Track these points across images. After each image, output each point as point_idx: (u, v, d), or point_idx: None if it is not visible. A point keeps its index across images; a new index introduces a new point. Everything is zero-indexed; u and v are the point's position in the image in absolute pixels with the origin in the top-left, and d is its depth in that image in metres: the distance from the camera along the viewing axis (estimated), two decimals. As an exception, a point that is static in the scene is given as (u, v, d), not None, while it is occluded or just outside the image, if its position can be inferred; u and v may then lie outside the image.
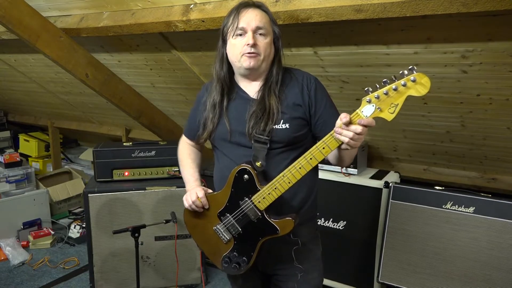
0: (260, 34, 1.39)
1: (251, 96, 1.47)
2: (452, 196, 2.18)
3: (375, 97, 1.20)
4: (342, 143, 1.25)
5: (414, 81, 1.14)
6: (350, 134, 1.22)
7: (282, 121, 1.41)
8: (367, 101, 1.21)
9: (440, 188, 2.24)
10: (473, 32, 1.66)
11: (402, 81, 1.16)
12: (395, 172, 2.62)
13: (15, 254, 3.24)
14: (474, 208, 2.12)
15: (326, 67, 2.20)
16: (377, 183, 2.42)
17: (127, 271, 2.66)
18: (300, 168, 1.32)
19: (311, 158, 1.30)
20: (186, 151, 1.70)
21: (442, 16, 1.51)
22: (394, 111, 1.19)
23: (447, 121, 2.23)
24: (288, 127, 1.41)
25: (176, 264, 2.54)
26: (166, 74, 2.94)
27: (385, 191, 2.38)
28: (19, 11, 2.28)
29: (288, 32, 2.01)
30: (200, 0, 2.01)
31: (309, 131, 1.48)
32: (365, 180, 2.47)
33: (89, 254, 2.65)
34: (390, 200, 2.33)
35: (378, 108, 1.20)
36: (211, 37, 2.26)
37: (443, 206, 2.19)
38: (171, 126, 3.65)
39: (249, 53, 1.38)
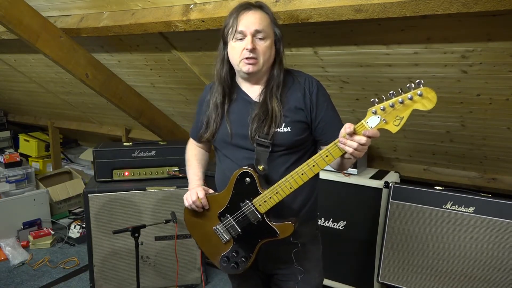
0: (260, 38, 1.38)
1: (253, 99, 1.47)
2: (452, 196, 2.18)
3: (381, 109, 1.20)
4: (346, 152, 1.26)
5: (420, 95, 1.14)
6: (355, 144, 1.22)
7: (284, 124, 1.41)
8: (373, 112, 1.21)
9: (440, 188, 2.24)
10: (473, 32, 1.66)
11: (408, 95, 1.16)
12: (395, 172, 2.62)
13: (15, 254, 3.24)
14: (474, 208, 2.12)
15: (326, 67, 2.20)
16: (377, 183, 2.42)
17: (127, 271, 2.66)
18: (302, 174, 1.32)
19: (313, 165, 1.31)
20: (193, 152, 1.71)
21: (442, 16, 1.51)
22: (399, 123, 1.20)
23: (447, 121, 2.23)
24: (289, 130, 1.41)
25: (176, 264, 2.54)
26: (166, 74, 2.94)
27: (385, 191, 2.38)
28: (19, 11, 2.28)
29: (288, 32, 2.01)
30: (200, 0, 2.01)
31: (310, 134, 1.47)
32: (365, 180, 2.47)
33: (89, 254, 2.65)
34: (390, 200, 2.33)
35: (383, 120, 1.21)
36: (211, 37, 2.26)
37: (443, 206, 2.19)
38: (171, 126, 3.65)
39: (247, 58, 1.38)
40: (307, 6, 1.70)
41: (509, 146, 2.24)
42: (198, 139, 1.66)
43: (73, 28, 2.55)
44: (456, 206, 2.16)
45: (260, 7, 1.43)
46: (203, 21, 2.00)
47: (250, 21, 1.37)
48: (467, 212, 2.13)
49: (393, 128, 1.21)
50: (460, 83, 1.94)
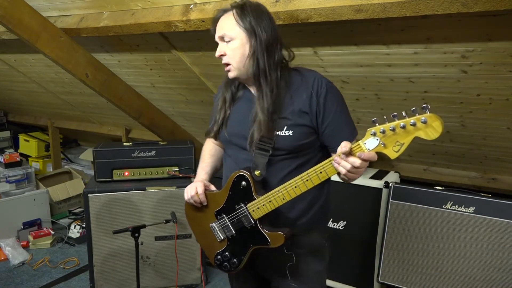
0: (226, 41, 1.37)
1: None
2: (452, 196, 2.18)
3: (380, 131, 1.11)
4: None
5: (424, 122, 1.04)
6: (348, 166, 1.16)
7: (285, 127, 1.35)
8: (372, 134, 1.13)
9: (440, 188, 2.24)
10: (473, 32, 1.66)
11: (411, 120, 1.05)
12: (395, 172, 2.62)
13: (15, 254, 3.24)
14: (474, 208, 2.12)
15: (326, 67, 2.20)
16: (377, 183, 2.42)
17: (127, 271, 2.66)
18: (295, 187, 1.28)
19: (307, 180, 1.25)
20: (208, 147, 1.69)
21: (442, 16, 1.51)
22: (399, 150, 1.10)
23: (447, 121, 2.23)
24: (291, 134, 1.34)
25: (176, 264, 2.54)
26: (166, 74, 2.94)
27: (385, 191, 2.37)
28: (19, 11, 2.28)
29: (288, 32, 2.01)
30: (200, 0, 2.01)
31: (317, 139, 1.39)
32: (365, 180, 2.47)
33: (89, 254, 2.65)
34: (390, 200, 2.33)
35: (382, 144, 1.12)
36: (211, 37, 2.23)
37: (443, 206, 2.19)
38: (171, 126, 3.65)
39: (223, 63, 1.40)
40: (307, 6, 1.70)
41: (509, 146, 2.24)
42: (206, 135, 1.61)
43: (73, 28, 2.55)
44: (456, 206, 2.16)
45: (225, 10, 1.39)
46: (203, 21, 2.00)
47: (217, 28, 1.40)
48: (467, 212, 2.13)
49: (392, 154, 1.11)
50: (460, 83, 1.94)
